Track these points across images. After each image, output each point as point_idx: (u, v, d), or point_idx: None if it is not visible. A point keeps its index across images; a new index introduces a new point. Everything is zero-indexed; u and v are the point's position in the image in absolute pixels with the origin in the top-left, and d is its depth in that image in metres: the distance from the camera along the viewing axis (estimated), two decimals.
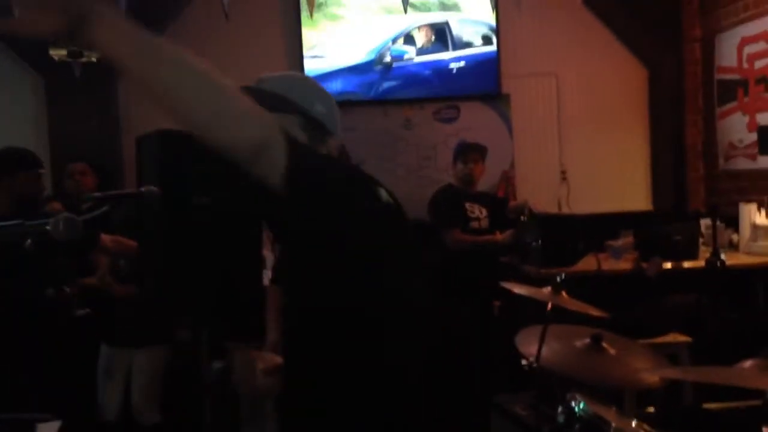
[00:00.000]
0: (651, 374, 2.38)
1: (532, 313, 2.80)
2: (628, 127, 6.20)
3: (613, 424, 2.22)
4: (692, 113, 6.04)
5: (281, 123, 1.52)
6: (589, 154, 6.12)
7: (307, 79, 2.04)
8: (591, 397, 2.40)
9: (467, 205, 4.68)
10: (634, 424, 2.28)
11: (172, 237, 2.51)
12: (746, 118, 5.41)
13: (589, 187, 5.96)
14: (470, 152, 4.77)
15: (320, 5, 5.83)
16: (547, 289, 2.71)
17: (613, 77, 6.15)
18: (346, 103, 5.25)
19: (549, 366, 2.49)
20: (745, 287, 4.69)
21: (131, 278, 3.72)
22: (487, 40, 5.94)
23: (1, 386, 3.15)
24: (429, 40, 5.93)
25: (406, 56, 5.92)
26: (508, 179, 6.00)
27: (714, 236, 4.22)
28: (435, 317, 1.80)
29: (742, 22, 5.38)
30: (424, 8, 5.94)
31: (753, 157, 5.34)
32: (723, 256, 4.09)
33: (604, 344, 2.50)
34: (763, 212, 4.98)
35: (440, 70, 5.93)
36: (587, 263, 4.52)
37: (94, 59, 4.85)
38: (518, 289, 2.83)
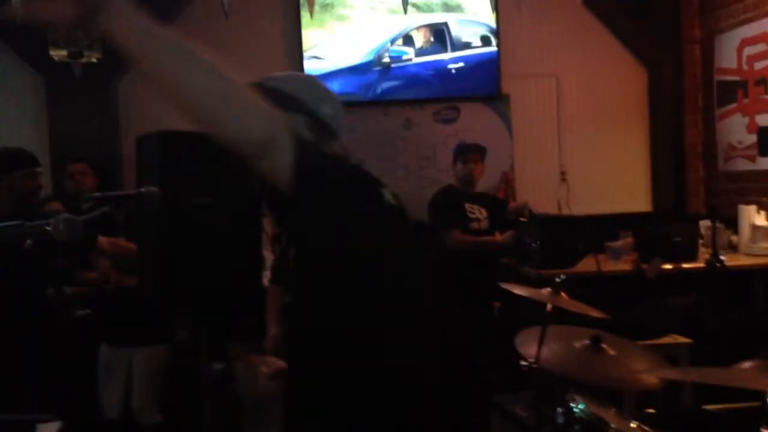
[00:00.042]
0: (650, 375, 2.38)
1: (532, 314, 2.80)
2: (627, 128, 6.20)
3: (613, 425, 2.23)
4: (692, 114, 6.05)
5: (289, 121, 1.53)
6: (589, 155, 6.12)
7: (314, 80, 2.05)
8: (590, 398, 2.41)
9: (467, 205, 4.68)
10: (633, 425, 2.28)
11: (172, 237, 2.51)
12: (746, 120, 5.42)
13: (588, 188, 5.97)
14: (470, 152, 4.77)
15: (322, 6, 5.83)
16: (547, 290, 2.71)
17: (612, 78, 6.16)
18: (345, 104, 5.23)
19: (549, 367, 2.49)
20: (745, 288, 4.70)
21: (133, 272, 3.71)
22: (486, 41, 5.94)
23: (1, 386, 3.14)
24: (428, 41, 5.93)
25: (405, 57, 5.92)
26: (507, 180, 6.00)
27: (713, 237, 4.22)
28: (435, 318, 1.80)
29: (742, 23, 5.39)
30: (427, 9, 5.95)
31: (752, 159, 5.35)
32: (723, 257, 4.09)
33: (604, 345, 2.50)
34: (763, 213, 4.99)
35: (439, 70, 5.93)
36: (587, 264, 4.52)
37: (94, 60, 4.85)
38: (518, 290, 2.83)
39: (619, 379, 2.48)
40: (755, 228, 4.96)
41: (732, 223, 5.17)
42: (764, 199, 5.10)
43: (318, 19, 5.83)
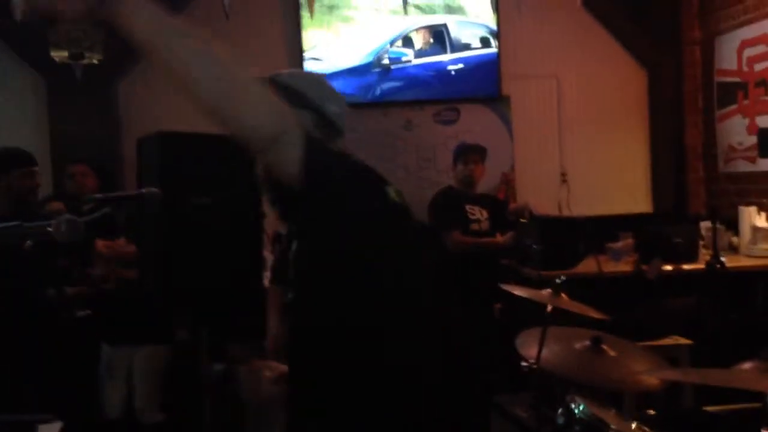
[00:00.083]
0: (651, 376, 2.39)
1: (533, 315, 2.80)
2: (628, 129, 6.20)
3: (613, 426, 2.23)
4: (692, 115, 6.05)
5: (297, 117, 1.54)
6: (589, 156, 6.12)
7: (322, 78, 2.07)
8: (591, 398, 2.41)
9: (468, 207, 4.68)
10: (633, 426, 2.28)
11: (173, 238, 2.51)
12: (746, 121, 5.42)
13: (589, 189, 5.96)
14: (470, 153, 4.77)
15: (324, 6, 5.83)
16: (547, 291, 2.71)
17: (613, 79, 6.16)
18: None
19: (549, 368, 2.49)
20: (745, 290, 4.69)
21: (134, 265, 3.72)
22: (485, 42, 5.95)
23: (1, 387, 3.15)
24: (427, 43, 5.94)
25: (404, 58, 5.92)
26: (508, 181, 6.00)
27: (714, 239, 4.23)
28: (436, 318, 1.80)
29: (742, 24, 5.39)
30: (429, 10, 5.95)
31: (753, 160, 5.35)
32: (723, 259, 4.10)
33: (604, 346, 2.50)
34: (763, 215, 4.99)
35: (439, 72, 5.93)
36: (587, 265, 4.52)
37: (95, 61, 4.87)
38: (518, 291, 2.83)
39: (620, 380, 2.48)
40: (756, 229, 4.96)
41: (732, 225, 5.17)
42: (765, 200, 5.10)
43: (318, 20, 5.83)
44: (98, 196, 2.57)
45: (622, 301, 3.97)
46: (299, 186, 1.49)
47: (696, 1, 5.97)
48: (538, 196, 5.52)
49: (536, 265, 4.49)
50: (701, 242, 4.91)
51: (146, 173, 2.65)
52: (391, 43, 5.91)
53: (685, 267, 4.64)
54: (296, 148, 1.46)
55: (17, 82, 5.65)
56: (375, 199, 1.68)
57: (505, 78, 5.99)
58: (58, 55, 4.73)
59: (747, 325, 4.38)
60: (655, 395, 3.06)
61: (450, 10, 5.95)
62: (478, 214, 4.69)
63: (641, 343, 2.97)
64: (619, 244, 5.10)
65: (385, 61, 5.89)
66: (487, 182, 5.24)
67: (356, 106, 5.75)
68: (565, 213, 5.67)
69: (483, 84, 5.97)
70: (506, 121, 6.04)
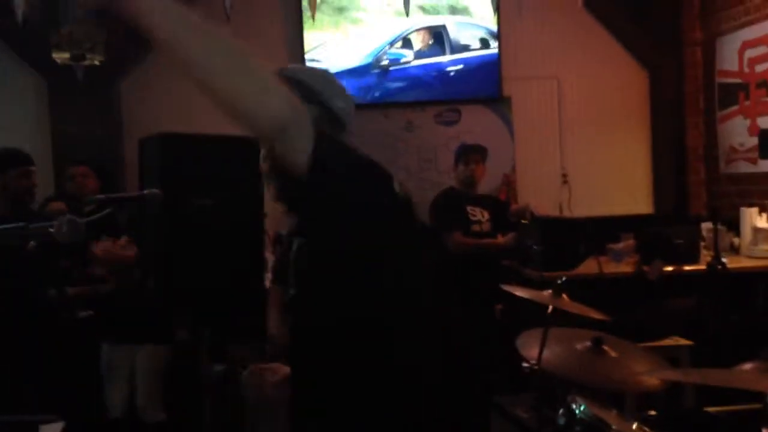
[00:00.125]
0: (652, 377, 2.39)
1: (534, 315, 2.80)
2: (629, 130, 6.21)
3: (614, 427, 2.22)
4: (693, 117, 6.05)
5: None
6: (590, 157, 6.13)
7: (328, 73, 2.08)
8: (592, 399, 2.40)
9: (469, 208, 4.68)
10: (635, 426, 2.28)
11: (174, 238, 2.51)
12: (747, 122, 5.42)
13: (590, 190, 5.97)
14: (471, 153, 4.77)
15: (336, 8, 5.84)
16: (548, 292, 2.71)
17: (614, 81, 6.16)
18: None
19: (550, 368, 2.49)
20: (746, 290, 4.69)
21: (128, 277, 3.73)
22: (484, 44, 5.95)
23: (3, 387, 3.15)
24: (426, 44, 5.94)
25: (403, 59, 5.93)
26: (509, 182, 6.01)
27: (715, 240, 4.23)
28: (436, 318, 1.81)
29: (743, 25, 5.39)
30: (434, 11, 5.96)
31: (754, 161, 5.35)
32: (724, 260, 4.09)
33: (605, 347, 2.50)
34: (765, 216, 4.98)
35: (438, 73, 5.93)
36: (588, 266, 4.51)
37: (96, 62, 4.87)
38: (520, 292, 2.83)
39: (621, 381, 2.48)
40: (757, 230, 4.96)
41: (733, 226, 5.17)
42: (766, 201, 5.09)
43: (319, 22, 5.83)
44: (99, 197, 2.58)
45: (623, 301, 3.97)
46: (307, 177, 1.50)
47: (697, 2, 5.97)
48: (539, 197, 5.52)
49: (537, 266, 4.49)
50: (702, 243, 4.91)
51: (147, 174, 2.65)
52: (391, 45, 5.92)
53: (686, 268, 4.63)
54: (306, 138, 1.48)
55: (18, 83, 5.66)
56: (379, 194, 1.69)
57: (506, 79, 6.00)
58: (60, 56, 4.74)
59: (748, 326, 4.38)
60: (656, 396, 3.07)
61: (454, 11, 5.95)
62: (479, 215, 4.68)
63: (642, 344, 2.97)
64: (620, 245, 5.09)
65: (385, 62, 5.90)
66: (488, 183, 5.24)
67: (357, 107, 5.72)
68: (566, 214, 5.67)
69: (484, 85, 5.98)
70: (507, 122, 6.05)
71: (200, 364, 2.88)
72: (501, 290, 3.00)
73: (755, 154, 5.30)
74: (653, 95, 6.19)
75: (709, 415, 3.19)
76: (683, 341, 4.05)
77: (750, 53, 5.34)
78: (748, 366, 2.05)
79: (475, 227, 4.65)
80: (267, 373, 3.70)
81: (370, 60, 5.90)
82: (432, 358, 1.74)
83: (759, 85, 5.25)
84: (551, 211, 5.34)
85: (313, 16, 5.67)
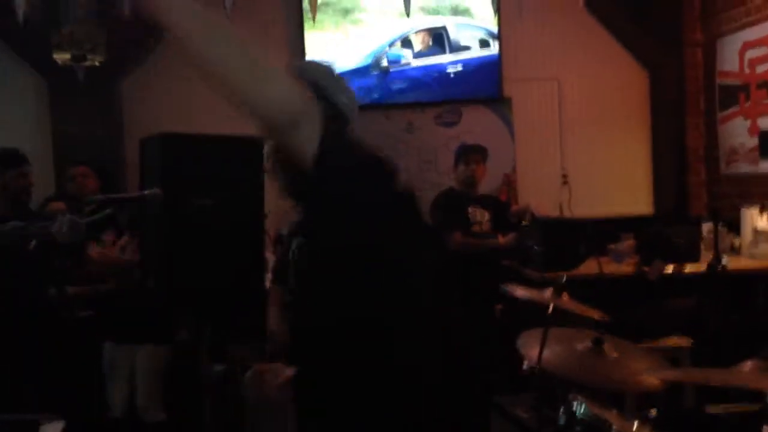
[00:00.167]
0: (652, 376, 2.39)
1: (534, 316, 2.80)
2: (629, 130, 6.21)
3: (615, 426, 2.23)
4: (693, 117, 6.05)
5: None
6: (591, 158, 6.13)
7: (333, 69, 2.09)
8: (592, 399, 2.41)
9: (469, 208, 4.69)
10: (635, 426, 2.28)
11: (174, 239, 2.51)
12: (748, 123, 5.42)
13: (590, 191, 5.96)
14: (472, 153, 4.77)
15: (341, 10, 5.84)
16: (549, 292, 2.72)
17: (614, 81, 6.16)
18: None
19: (550, 368, 2.49)
20: (746, 291, 4.69)
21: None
22: (484, 44, 5.96)
23: (3, 386, 3.16)
24: (426, 45, 5.94)
25: (402, 60, 5.93)
26: (509, 183, 6.00)
27: (715, 240, 4.23)
28: (436, 318, 1.81)
29: (744, 26, 5.39)
30: (434, 13, 5.96)
31: (754, 162, 5.35)
32: (724, 260, 4.09)
33: (606, 347, 2.50)
34: (765, 216, 4.98)
35: (438, 74, 5.93)
36: (589, 267, 4.51)
37: (97, 63, 4.88)
38: (520, 292, 2.83)
39: (621, 381, 2.48)
40: (757, 231, 4.95)
41: (734, 226, 5.17)
42: (766, 202, 5.09)
43: (320, 23, 5.83)
44: (100, 197, 2.58)
45: (623, 302, 3.97)
46: (312, 171, 1.51)
47: (698, 3, 5.97)
48: (540, 197, 5.51)
49: (538, 267, 4.50)
50: (702, 244, 4.91)
51: (148, 174, 2.64)
52: (390, 45, 5.92)
53: (687, 268, 4.63)
54: (315, 131, 1.50)
55: (19, 83, 5.67)
56: (383, 190, 1.70)
57: (507, 80, 6.00)
58: (61, 56, 4.74)
59: (748, 326, 4.38)
60: (656, 396, 3.07)
61: (456, 12, 5.96)
62: (480, 215, 4.69)
63: (642, 344, 2.97)
64: (621, 246, 5.09)
65: (384, 63, 5.90)
66: (488, 183, 5.24)
67: (358, 107, 5.74)
68: (567, 214, 5.67)
69: (484, 86, 5.98)
70: (508, 123, 6.05)
71: (200, 364, 2.88)
72: (501, 290, 3.00)
73: (756, 155, 5.30)
74: (654, 96, 6.19)
75: (710, 415, 3.19)
76: (683, 341, 4.05)
77: (751, 54, 5.34)
78: (748, 365, 2.06)
79: (476, 227, 4.65)
80: (269, 374, 3.70)
81: (369, 61, 5.90)
82: (432, 358, 1.74)
83: (760, 86, 5.25)
84: (552, 211, 5.33)
85: (313, 18, 5.67)
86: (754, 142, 5.32)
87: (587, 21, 6.07)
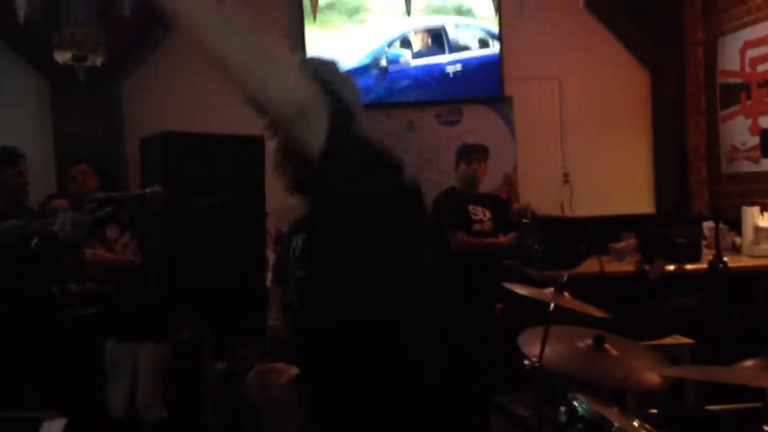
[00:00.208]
0: (653, 375, 2.39)
1: (535, 314, 2.80)
2: (630, 129, 6.21)
3: (616, 424, 2.23)
4: (694, 116, 6.05)
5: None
6: (592, 157, 6.13)
7: (337, 63, 2.10)
8: (593, 397, 2.41)
9: (470, 207, 4.68)
10: (636, 424, 2.28)
11: (176, 238, 2.52)
12: (749, 122, 5.42)
13: (591, 190, 5.96)
14: (473, 152, 4.77)
15: (346, 11, 5.85)
16: (550, 290, 2.72)
17: (615, 80, 6.16)
18: None
19: (552, 366, 2.49)
20: (748, 290, 4.69)
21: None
22: (483, 44, 5.96)
23: (5, 384, 3.16)
24: (426, 44, 5.94)
25: (401, 60, 5.93)
26: (510, 182, 6.01)
27: (716, 239, 4.23)
28: (437, 317, 1.81)
29: (745, 25, 5.39)
30: (438, 12, 5.96)
31: (756, 160, 5.35)
32: (725, 259, 4.09)
33: (607, 345, 2.50)
34: (766, 215, 4.98)
35: (439, 73, 5.94)
36: (590, 265, 4.51)
37: (98, 63, 4.89)
38: (521, 290, 2.83)
39: (622, 379, 2.48)
40: (758, 230, 4.95)
41: (735, 225, 5.16)
42: (767, 200, 5.10)
43: (319, 20, 5.83)
44: (101, 195, 2.58)
45: (624, 300, 3.96)
46: (320, 163, 1.52)
47: (699, 2, 5.97)
48: (541, 196, 5.51)
49: (538, 266, 4.49)
50: (704, 242, 4.91)
51: (150, 173, 2.65)
52: (389, 45, 5.92)
53: (688, 267, 4.63)
54: (321, 124, 1.51)
55: (20, 84, 5.68)
56: (388, 186, 1.70)
57: (508, 79, 6.00)
58: (62, 57, 4.75)
59: (749, 325, 4.37)
60: (657, 394, 3.07)
61: (460, 12, 5.96)
62: (481, 214, 4.68)
63: (643, 343, 2.97)
64: (622, 245, 5.09)
65: (383, 63, 5.90)
66: (489, 183, 5.24)
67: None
68: (568, 213, 5.67)
69: (485, 85, 5.99)
70: (509, 122, 6.05)
71: (202, 363, 2.88)
72: (502, 289, 3.00)
73: (757, 154, 5.31)
74: (655, 95, 6.20)
75: (711, 413, 3.19)
76: (684, 340, 4.05)
77: (752, 53, 5.34)
78: (749, 363, 2.06)
79: (477, 226, 4.65)
80: (272, 374, 3.70)
81: (368, 60, 5.90)
82: (433, 358, 1.74)
83: (760, 85, 5.25)
84: (552, 210, 5.34)
85: (314, 17, 5.68)
86: (755, 140, 5.32)
87: (588, 20, 6.07)
